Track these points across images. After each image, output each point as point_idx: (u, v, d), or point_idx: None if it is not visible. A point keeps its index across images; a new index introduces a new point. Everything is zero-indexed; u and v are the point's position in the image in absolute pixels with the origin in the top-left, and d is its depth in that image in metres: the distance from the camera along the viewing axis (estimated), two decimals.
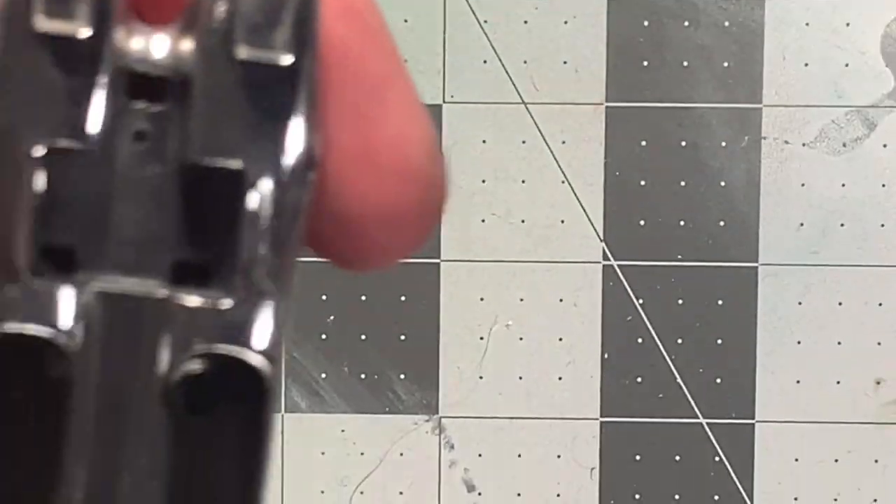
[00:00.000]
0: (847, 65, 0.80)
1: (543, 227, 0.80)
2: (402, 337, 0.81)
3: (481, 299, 0.81)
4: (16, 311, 0.22)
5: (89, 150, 0.23)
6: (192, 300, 0.23)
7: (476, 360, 0.81)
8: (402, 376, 0.81)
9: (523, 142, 0.80)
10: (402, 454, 0.82)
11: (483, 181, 0.80)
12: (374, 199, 0.24)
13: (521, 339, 0.81)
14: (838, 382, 0.80)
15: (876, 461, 0.80)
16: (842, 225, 0.80)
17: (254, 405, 0.23)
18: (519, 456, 0.81)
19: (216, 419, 0.24)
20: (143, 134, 0.23)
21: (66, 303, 0.23)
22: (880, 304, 0.80)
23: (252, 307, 0.23)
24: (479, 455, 0.81)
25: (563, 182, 0.80)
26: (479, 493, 0.82)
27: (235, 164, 0.23)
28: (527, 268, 0.81)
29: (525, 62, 0.80)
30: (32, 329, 0.22)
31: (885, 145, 0.80)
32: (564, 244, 0.80)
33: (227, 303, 0.23)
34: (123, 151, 0.23)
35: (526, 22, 0.80)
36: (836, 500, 0.81)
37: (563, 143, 0.80)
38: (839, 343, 0.80)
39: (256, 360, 0.22)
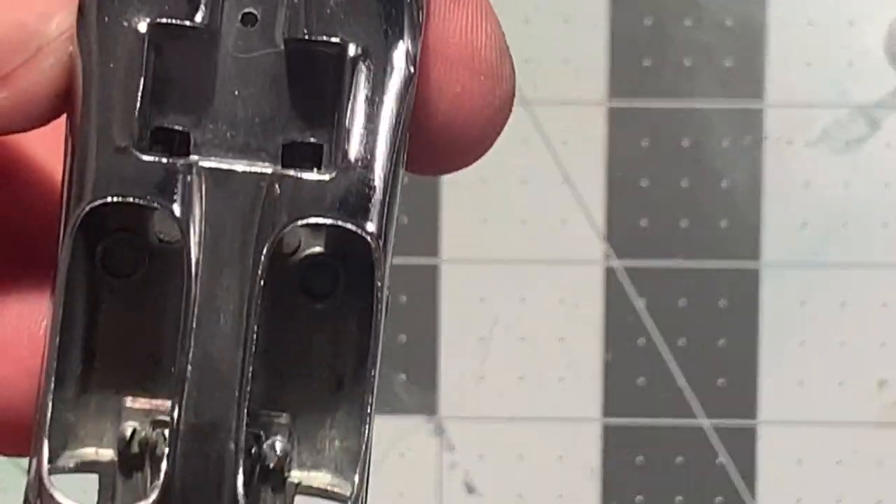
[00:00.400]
0: (850, 64, 0.79)
1: (544, 227, 0.80)
2: (402, 337, 0.81)
3: (481, 300, 0.80)
4: (125, 184, 0.23)
5: (197, 29, 0.23)
6: (299, 175, 0.23)
7: (476, 361, 0.81)
8: (403, 377, 0.81)
9: (523, 142, 0.80)
10: (402, 455, 0.81)
11: (483, 181, 0.80)
12: (444, 91, 0.25)
13: (521, 339, 0.81)
14: (841, 383, 0.80)
15: (879, 462, 0.80)
16: (845, 225, 0.79)
17: (364, 280, 0.24)
18: (520, 457, 0.81)
19: (329, 299, 0.25)
20: (252, 17, 0.24)
21: (174, 177, 0.24)
22: (884, 305, 0.80)
23: (358, 180, 0.23)
24: (480, 456, 0.81)
25: (563, 182, 0.80)
26: (480, 495, 0.81)
27: (338, 39, 0.23)
28: (527, 268, 0.80)
29: (525, 62, 0.80)
30: (140, 200, 0.24)
31: (888, 144, 0.79)
32: (565, 244, 0.80)
33: (332, 176, 0.23)
34: (232, 34, 0.24)
35: (526, 21, 0.80)
36: (839, 501, 0.80)
37: (564, 142, 0.80)
38: (842, 344, 0.80)
39: (363, 229, 0.23)
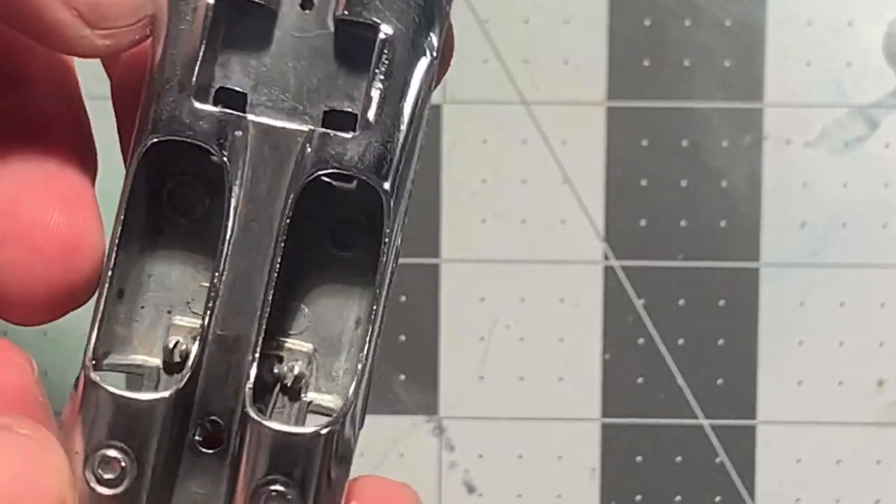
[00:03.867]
0: (849, 64, 0.79)
1: (543, 227, 0.80)
2: (402, 337, 0.81)
3: (481, 300, 0.80)
4: (180, 126, 0.28)
5: (260, 6, 0.28)
6: (328, 132, 0.28)
7: (476, 361, 0.81)
8: (402, 377, 0.81)
9: (523, 142, 0.80)
10: (402, 455, 0.82)
11: (483, 181, 0.80)
12: None
13: (521, 339, 0.81)
14: (840, 383, 0.80)
15: (878, 462, 0.80)
16: (844, 225, 0.79)
17: (375, 231, 0.28)
18: (519, 457, 0.81)
19: (354, 250, 0.30)
20: (310, 2, 0.29)
21: (223, 124, 0.28)
22: (882, 305, 0.80)
23: (377, 142, 0.28)
24: (480, 456, 0.81)
25: (563, 182, 0.80)
26: (480, 495, 0.81)
27: (373, 20, 0.28)
28: (527, 268, 0.80)
29: (525, 62, 0.80)
30: (190, 139, 0.28)
31: (887, 145, 0.79)
32: (565, 244, 0.80)
33: (355, 135, 0.28)
34: (292, 16, 0.28)
35: (526, 21, 0.80)
36: (838, 501, 0.80)
37: (564, 142, 0.80)
38: (841, 343, 0.80)
39: (378, 183, 0.28)
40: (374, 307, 0.29)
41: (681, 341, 0.80)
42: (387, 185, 0.28)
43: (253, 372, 0.28)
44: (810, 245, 0.80)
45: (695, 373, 0.80)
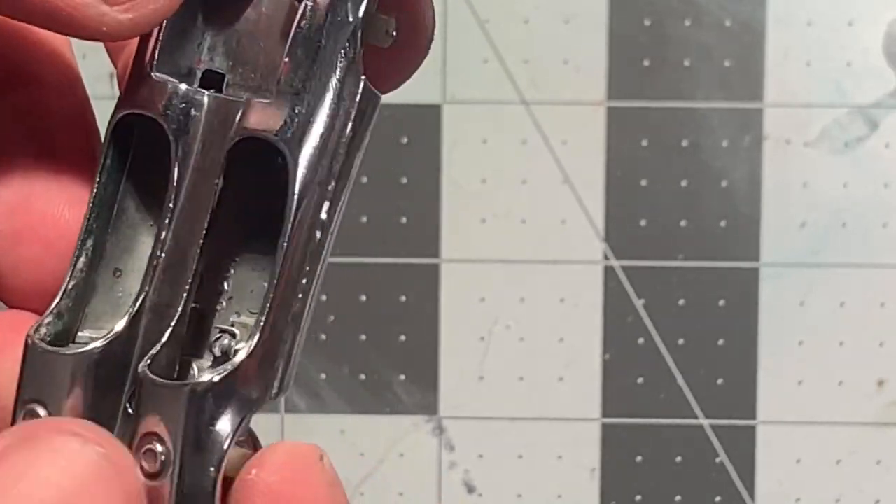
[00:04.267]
0: (849, 64, 0.79)
1: (543, 227, 0.80)
2: (402, 337, 0.81)
3: (481, 299, 0.80)
4: (141, 103, 0.29)
5: None
6: (251, 99, 0.29)
7: (476, 361, 0.81)
8: (402, 377, 0.81)
9: (523, 142, 0.80)
10: (402, 455, 0.82)
11: (483, 181, 0.80)
12: None
13: (521, 339, 0.81)
14: (840, 383, 0.80)
15: (878, 462, 0.80)
16: (844, 225, 0.79)
17: (277, 177, 0.28)
18: (519, 457, 0.81)
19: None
20: None
21: (180, 100, 0.29)
22: (882, 305, 0.80)
23: (283, 101, 0.28)
24: (480, 456, 0.81)
25: (563, 182, 0.80)
26: (480, 495, 0.81)
27: None
28: (527, 268, 0.80)
29: (525, 62, 0.80)
30: (140, 111, 0.29)
31: (887, 145, 0.79)
32: (565, 244, 0.80)
33: (267, 100, 0.28)
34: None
35: (526, 21, 0.80)
36: (838, 501, 0.80)
37: (564, 142, 0.80)
38: (841, 343, 0.80)
39: (287, 145, 0.28)
40: (276, 267, 0.28)
41: (681, 341, 0.80)
42: (302, 152, 0.28)
43: (165, 336, 0.28)
44: (810, 245, 0.80)
45: (695, 373, 0.80)
